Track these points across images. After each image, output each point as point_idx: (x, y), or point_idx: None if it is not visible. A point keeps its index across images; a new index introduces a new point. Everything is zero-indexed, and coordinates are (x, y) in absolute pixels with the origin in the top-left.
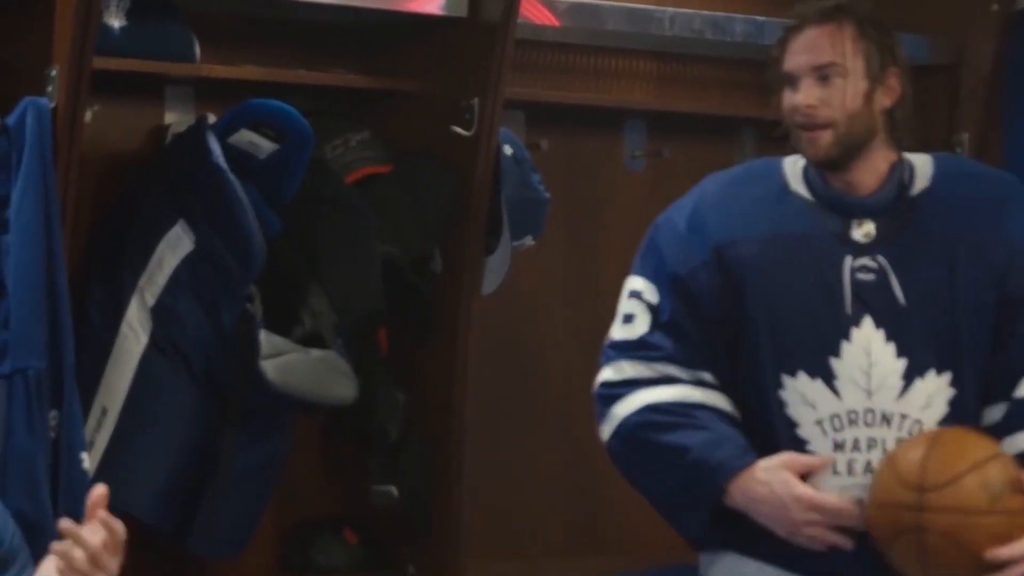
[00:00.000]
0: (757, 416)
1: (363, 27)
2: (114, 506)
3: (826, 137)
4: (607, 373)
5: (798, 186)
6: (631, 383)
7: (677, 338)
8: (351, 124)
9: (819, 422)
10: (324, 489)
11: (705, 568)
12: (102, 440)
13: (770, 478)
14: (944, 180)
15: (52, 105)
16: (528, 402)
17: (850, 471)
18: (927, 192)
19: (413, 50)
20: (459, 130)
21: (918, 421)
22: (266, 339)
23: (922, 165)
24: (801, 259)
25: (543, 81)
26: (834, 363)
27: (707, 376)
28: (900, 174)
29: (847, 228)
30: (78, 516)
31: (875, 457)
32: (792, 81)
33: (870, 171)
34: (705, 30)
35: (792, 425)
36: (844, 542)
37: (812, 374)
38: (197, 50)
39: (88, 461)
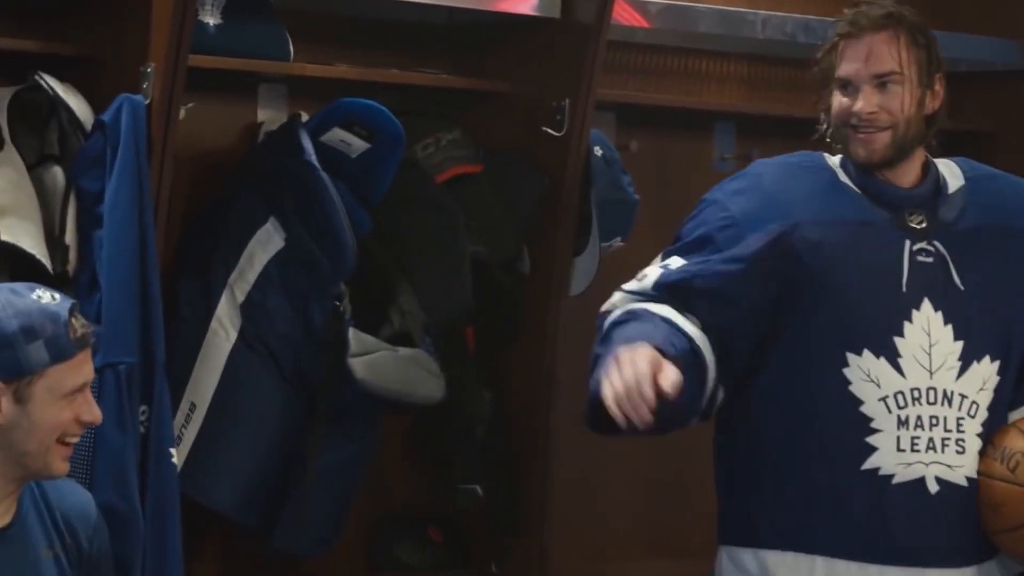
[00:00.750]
0: (816, 397)
1: (456, 27)
2: (200, 501)
3: (883, 139)
4: (603, 306)
5: (845, 178)
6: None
7: (678, 289)
8: (442, 124)
9: (883, 399)
10: (409, 487)
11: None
12: (190, 436)
13: (635, 351)
14: (977, 180)
15: (147, 102)
16: None
17: (913, 447)
18: (963, 190)
19: (505, 50)
20: (550, 131)
21: (975, 402)
22: (355, 337)
23: (946, 166)
24: (862, 243)
25: (634, 82)
26: (898, 342)
27: (695, 319)
28: (935, 173)
29: (901, 217)
30: (166, 511)
31: (937, 435)
32: (847, 86)
33: (910, 170)
34: (797, 33)
35: (857, 402)
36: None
37: (877, 352)
38: (291, 49)
39: (176, 456)
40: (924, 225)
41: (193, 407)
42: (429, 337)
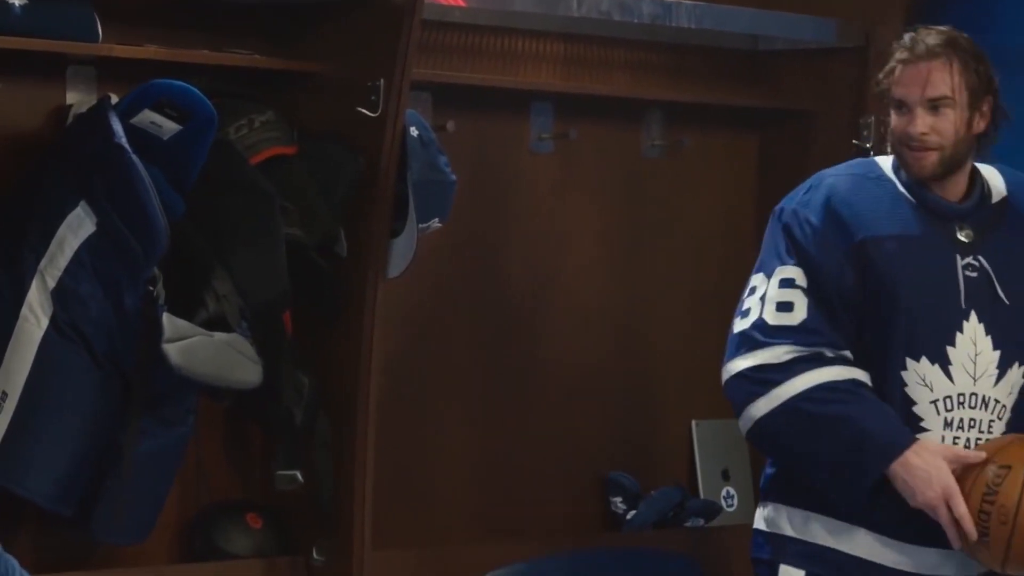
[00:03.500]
0: (878, 392)
1: (268, 6)
2: (15, 491)
3: (932, 158)
4: (763, 357)
5: (902, 189)
6: (790, 366)
7: (831, 322)
8: (255, 105)
9: (934, 402)
10: (228, 473)
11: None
12: (1, 425)
13: (929, 460)
14: (1018, 188)
15: None
16: (434, 387)
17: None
18: (1006, 201)
19: (318, 30)
20: (365, 111)
21: (1004, 406)
22: (169, 322)
23: (991, 175)
24: (923, 257)
25: (450, 63)
26: (950, 351)
27: (849, 355)
28: (980, 183)
29: (953, 231)
30: None
31: (972, 436)
32: (902, 108)
33: (958, 182)
34: (613, 11)
35: (910, 403)
36: (970, 532)
37: (932, 359)
38: (99, 29)
39: None
40: (970, 240)
41: (4, 395)
42: (245, 321)
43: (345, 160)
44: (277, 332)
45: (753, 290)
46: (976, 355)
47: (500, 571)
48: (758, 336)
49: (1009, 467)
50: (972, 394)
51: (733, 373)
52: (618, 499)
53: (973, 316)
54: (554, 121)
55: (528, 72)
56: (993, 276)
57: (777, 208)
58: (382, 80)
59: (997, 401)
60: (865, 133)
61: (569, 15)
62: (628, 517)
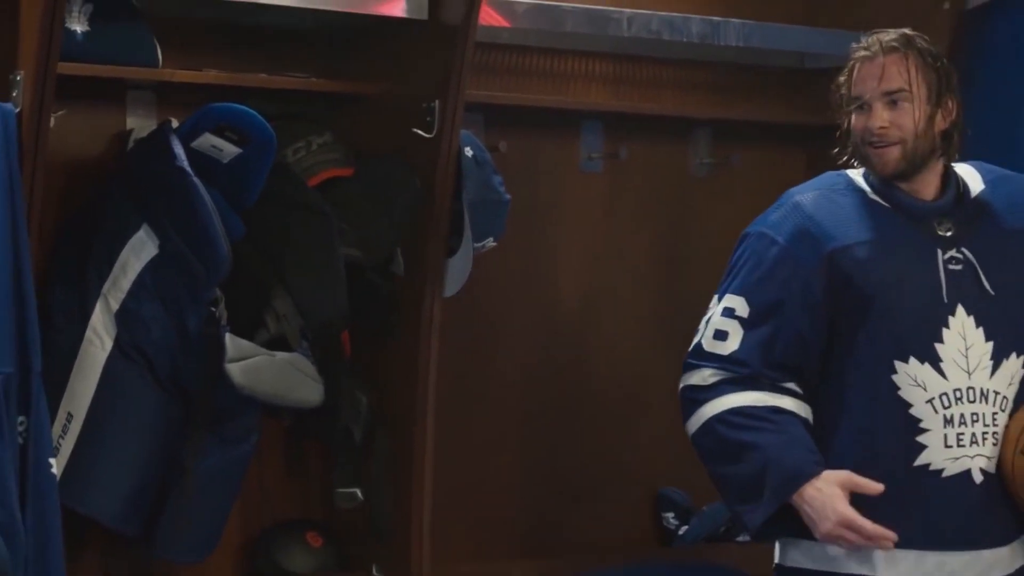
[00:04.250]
0: (869, 402)
1: (324, 30)
2: (80, 511)
3: (894, 153)
4: (693, 378)
5: (874, 195)
6: (716, 387)
7: (766, 355)
8: (313, 127)
9: (930, 401)
10: (289, 492)
11: (784, 552)
12: (68, 445)
13: (824, 490)
14: (995, 183)
15: (17, 110)
16: (490, 405)
17: (959, 443)
18: (984, 194)
19: (374, 53)
20: (420, 132)
21: (1005, 397)
22: (231, 342)
23: (966, 172)
24: (902, 257)
25: (500, 83)
26: (938, 348)
27: (791, 386)
28: (956, 181)
29: (932, 227)
30: (47, 521)
31: (978, 430)
32: (863, 105)
33: (929, 181)
34: (662, 31)
35: (906, 405)
36: (886, 544)
37: (921, 359)
38: (159, 54)
39: (56, 467)
40: (951, 233)
41: (70, 417)
42: (305, 341)
43: (402, 180)
44: (336, 351)
45: (708, 310)
46: (967, 348)
47: None
48: (691, 359)
49: None
50: (969, 388)
51: (679, 391)
52: (670, 514)
53: (960, 310)
54: (603, 140)
55: (578, 91)
56: (978, 267)
57: (745, 231)
58: (437, 101)
59: (997, 393)
60: None
61: (619, 35)
62: (680, 532)
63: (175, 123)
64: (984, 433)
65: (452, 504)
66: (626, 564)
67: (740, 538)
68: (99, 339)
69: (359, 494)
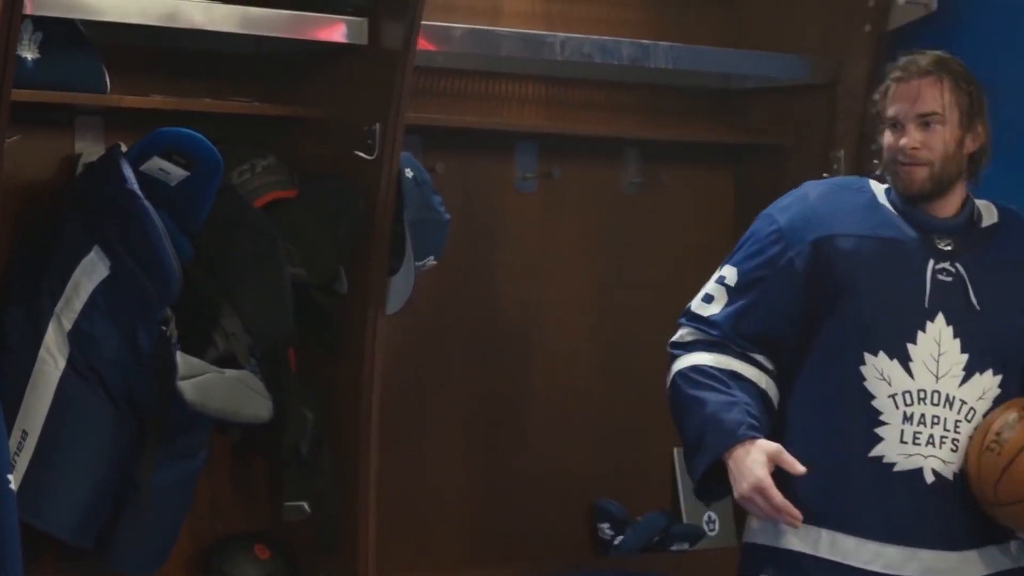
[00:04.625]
0: (835, 388)
1: (266, 56)
2: (37, 526)
3: (922, 173)
4: (676, 336)
5: (885, 202)
6: (688, 344)
7: (740, 323)
8: (256, 150)
9: (892, 396)
10: (237, 505)
11: (746, 528)
12: (23, 462)
13: (751, 453)
14: (1010, 219)
15: None
16: (431, 420)
17: (915, 441)
18: (996, 227)
19: (315, 77)
20: (362, 154)
21: (972, 408)
22: (182, 360)
23: (985, 206)
24: (891, 257)
25: (437, 106)
26: (910, 347)
27: (760, 358)
28: (971, 208)
29: (932, 240)
30: (6, 537)
31: (936, 432)
32: (896, 125)
33: (949, 204)
34: (594, 53)
35: (869, 396)
36: (791, 521)
37: (891, 355)
38: (108, 81)
39: (13, 483)
40: (950, 248)
41: (25, 434)
42: (254, 358)
43: (345, 201)
44: (282, 368)
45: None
46: (940, 354)
47: None
48: (680, 319)
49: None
50: (935, 391)
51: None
52: (605, 525)
53: (940, 317)
54: (538, 161)
55: (512, 113)
56: (968, 283)
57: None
58: (377, 124)
59: (964, 402)
60: (835, 167)
61: (552, 58)
62: (615, 542)
63: (124, 147)
64: (943, 437)
65: (396, 515)
66: (565, 573)
67: (674, 547)
68: (52, 358)
69: (306, 507)
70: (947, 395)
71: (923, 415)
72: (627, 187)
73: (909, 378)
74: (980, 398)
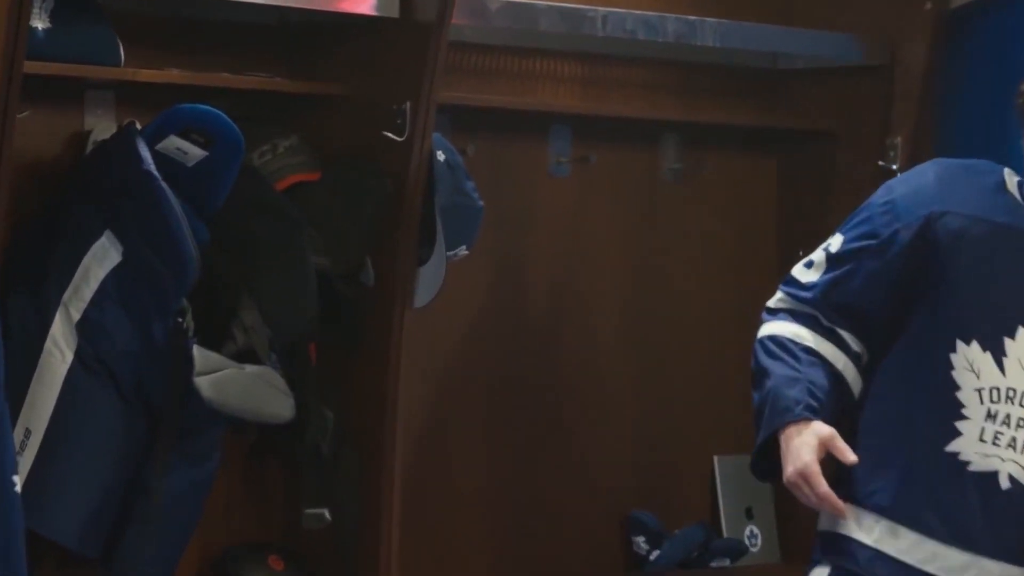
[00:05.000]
0: (919, 373)
1: (290, 28)
2: (39, 532)
3: None
4: (771, 301)
5: (1014, 190)
6: (777, 311)
7: (833, 293)
8: (278, 130)
9: (979, 390)
10: (248, 512)
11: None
12: (26, 463)
13: (803, 434)
14: None
15: None
16: (452, 421)
17: (995, 441)
18: None
19: (341, 52)
20: (391, 135)
21: None
22: (200, 354)
23: None
24: (1003, 244)
25: (467, 84)
26: (1007, 342)
27: (844, 334)
28: None
29: None
30: (11, 542)
31: (1020, 436)
32: None
33: None
34: (638, 30)
35: (954, 387)
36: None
37: (984, 346)
38: (122, 53)
39: (19, 485)
40: None
41: (28, 432)
42: (274, 354)
43: (372, 185)
44: (302, 364)
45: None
46: None
47: None
48: (780, 284)
49: None
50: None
51: None
52: (641, 538)
53: None
54: (572, 144)
55: (546, 93)
56: None
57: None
58: (408, 103)
59: None
60: (892, 154)
61: (593, 34)
62: (651, 557)
63: (138, 125)
64: None
65: (417, 524)
66: None
67: (714, 563)
68: (59, 351)
69: (327, 515)
70: None
71: (1008, 415)
72: (666, 173)
73: (1000, 374)
74: None
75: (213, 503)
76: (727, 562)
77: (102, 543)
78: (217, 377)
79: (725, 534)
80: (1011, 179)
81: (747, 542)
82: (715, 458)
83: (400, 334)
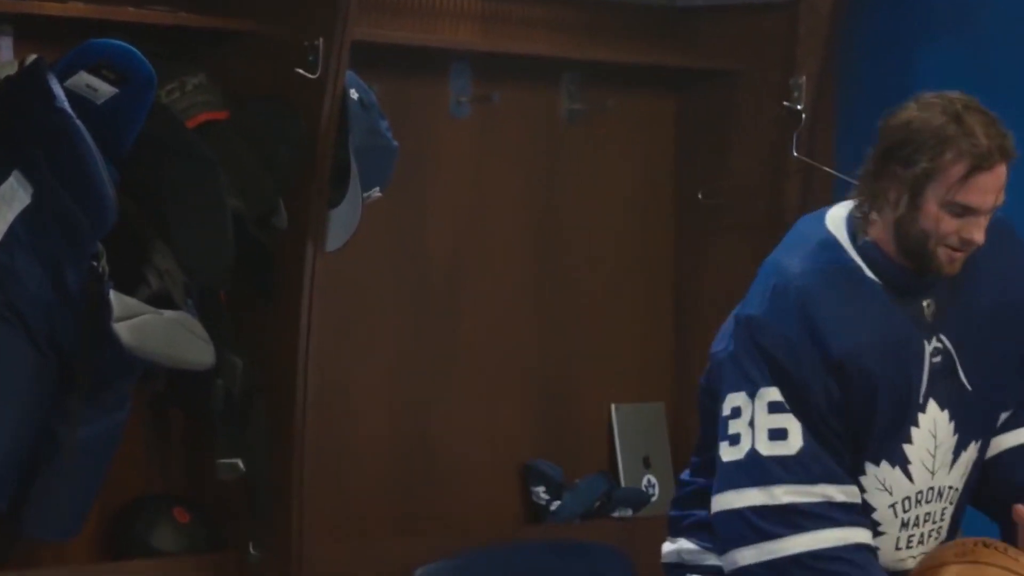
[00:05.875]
0: None
1: None
2: None
3: (963, 259)
4: (758, 497)
5: (867, 270)
6: (790, 515)
7: (827, 447)
8: (186, 67)
9: (892, 505)
10: (149, 466)
11: None
12: None
13: None
14: (992, 245)
15: None
16: (358, 369)
17: (908, 545)
18: (974, 261)
19: None
20: (303, 72)
21: (957, 489)
22: (117, 300)
23: None
24: (901, 359)
25: (365, 20)
26: (907, 449)
27: (855, 488)
28: None
29: (919, 310)
30: None
31: (927, 529)
32: (965, 212)
33: None
34: None
35: (870, 510)
36: None
37: (892, 462)
38: None
39: None
40: (932, 309)
41: None
42: (190, 299)
43: (285, 125)
44: (215, 310)
45: (737, 412)
46: (936, 447)
47: (427, 568)
48: (753, 471)
49: None
50: (929, 488)
51: (725, 508)
52: (540, 488)
53: (932, 404)
54: (472, 83)
55: (447, 30)
56: (956, 358)
57: (742, 316)
58: (321, 39)
59: (952, 488)
60: (796, 94)
61: None
62: (552, 508)
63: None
64: (931, 532)
65: (321, 475)
66: (502, 543)
67: (616, 513)
68: None
69: (240, 465)
70: (939, 487)
71: (918, 516)
72: (566, 113)
73: (909, 482)
74: (963, 475)
75: (116, 454)
76: (629, 512)
77: (7, 497)
78: (136, 323)
79: (623, 483)
80: (855, 256)
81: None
82: (612, 406)
83: (312, 279)
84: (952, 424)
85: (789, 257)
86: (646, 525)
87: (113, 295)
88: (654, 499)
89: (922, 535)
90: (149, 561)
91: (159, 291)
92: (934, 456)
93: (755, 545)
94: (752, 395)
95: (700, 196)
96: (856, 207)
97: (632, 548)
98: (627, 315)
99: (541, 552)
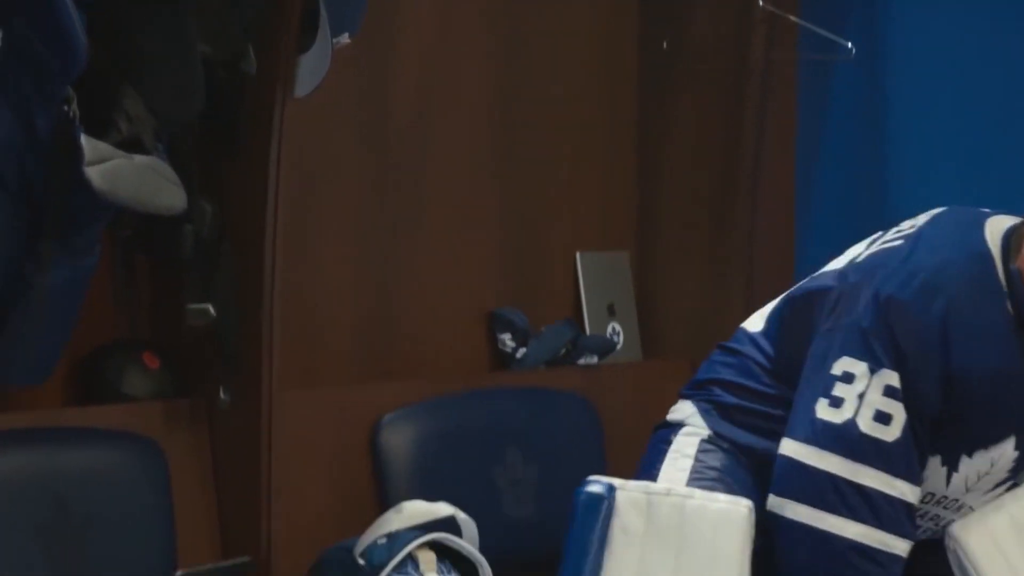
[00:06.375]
0: None
1: None
2: None
3: None
4: (841, 467)
5: (1007, 299)
6: (865, 496)
7: (917, 449)
8: None
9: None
10: (121, 311)
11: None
12: None
13: None
14: None
15: None
16: (324, 219)
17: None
18: None
19: None
20: None
21: (972, 510)
22: (88, 144)
23: None
24: (1010, 391)
25: None
26: (964, 460)
27: (919, 489)
28: None
29: None
30: None
31: (925, 526)
32: None
33: None
34: None
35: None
36: None
37: (944, 461)
38: None
39: None
40: None
41: None
42: (160, 144)
43: None
44: (183, 155)
45: (850, 377)
46: (987, 473)
47: (395, 413)
48: (846, 441)
49: None
50: (955, 499)
51: (801, 460)
52: (507, 335)
53: (1010, 441)
54: None
55: None
56: None
57: (883, 295)
58: None
59: (970, 508)
60: None
61: None
62: (518, 355)
63: None
64: (925, 531)
65: (290, 321)
66: (467, 389)
67: (582, 361)
68: None
69: (211, 310)
70: (962, 502)
71: (927, 513)
72: None
73: (944, 485)
74: (984, 503)
75: (86, 300)
76: (595, 359)
77: None
78: (108, 167)
79: (588, 331)
80: (1003, 280)
81: (611, 339)
82: (577, 255)
83: (281, 124)
84: (1014, 464)
85: (945, 261)
86: (612, 372)
87: (84, 139)
88: (619, 346)
89: (918, 529)
90: (119, 406)
91: (129, 136)
92: (979, 479)
93: (816, 510)
94: (873, 371)
95: (664, 45)
96: (1020, 224)
97: (597, 395)
98: (591, 164)
99: (507, 398)
